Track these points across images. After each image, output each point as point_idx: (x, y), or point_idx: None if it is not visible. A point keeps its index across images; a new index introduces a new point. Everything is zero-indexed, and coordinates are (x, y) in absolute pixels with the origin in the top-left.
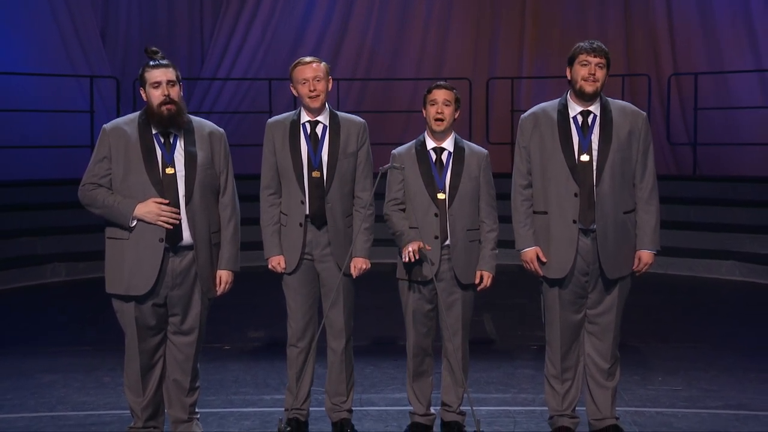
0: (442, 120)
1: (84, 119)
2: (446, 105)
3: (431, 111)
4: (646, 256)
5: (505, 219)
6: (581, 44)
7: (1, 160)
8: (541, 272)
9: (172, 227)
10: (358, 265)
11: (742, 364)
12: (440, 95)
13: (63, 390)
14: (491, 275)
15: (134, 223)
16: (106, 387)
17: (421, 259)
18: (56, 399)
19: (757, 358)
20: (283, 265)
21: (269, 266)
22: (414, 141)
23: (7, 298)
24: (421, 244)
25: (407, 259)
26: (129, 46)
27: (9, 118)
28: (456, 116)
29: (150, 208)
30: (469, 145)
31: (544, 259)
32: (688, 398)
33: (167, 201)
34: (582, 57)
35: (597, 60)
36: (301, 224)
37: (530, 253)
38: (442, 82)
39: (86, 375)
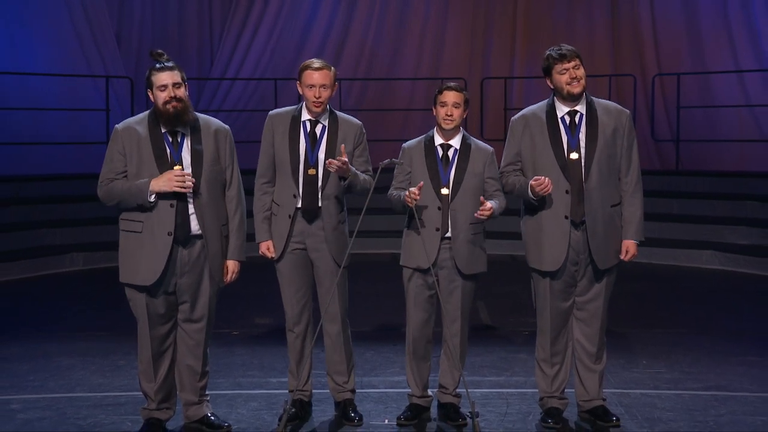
0: (451, 120)
1: (100, 117)
2: (455, 107)
3: (441, 111)
4: (632, 246)
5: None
6: (551, 54)
7: (22, 156)
8: (551, 185)
9: (189, 190)
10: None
11: (720, 348)
12: (450, 97)
13: (81, 372)
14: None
15: (153, 197)
16: (121, 370)
17: (420, 208)
18: (74, 381)
19: (735, 343)
20: (272, 250)
21: (259, 252)
22: (423, 136)
23: (28, 286)
24: (421, 184)
25: (411, 203)
26: (142, 48)
27: (29, 115)
28: (464, 116)
29: (164, 178)
30: (476, 143)
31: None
32: (670, 380)
33: (179, 167)
34: (558, 67)
35: (572, 64)
36: (290, 216)
37: (538, 179)
38: (453, 84)
39: (103, 358)
